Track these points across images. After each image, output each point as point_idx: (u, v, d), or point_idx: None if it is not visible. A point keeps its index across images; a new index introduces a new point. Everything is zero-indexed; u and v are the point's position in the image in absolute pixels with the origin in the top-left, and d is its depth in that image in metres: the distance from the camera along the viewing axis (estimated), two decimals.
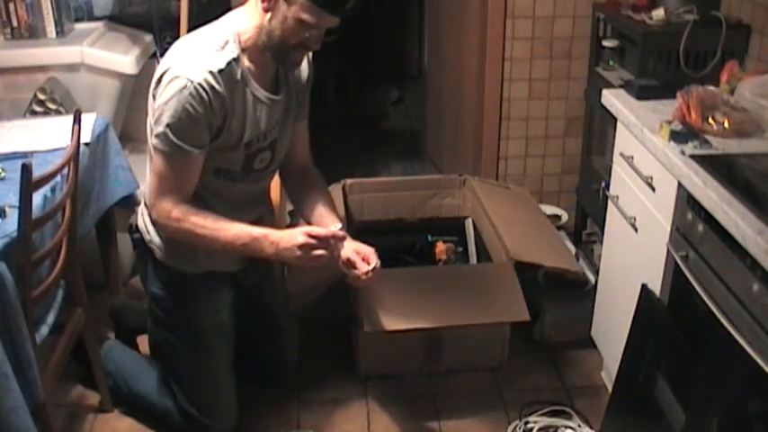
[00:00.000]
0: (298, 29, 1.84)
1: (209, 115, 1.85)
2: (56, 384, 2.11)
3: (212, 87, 1.83)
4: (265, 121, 2.00)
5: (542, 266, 2.71)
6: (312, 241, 1.90)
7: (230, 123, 1.91)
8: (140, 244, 2.13)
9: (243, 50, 1.90)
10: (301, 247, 1.89)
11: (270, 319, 2.35)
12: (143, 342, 2.43)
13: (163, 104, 1.83)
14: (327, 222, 2.08)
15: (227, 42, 1.89)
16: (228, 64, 1.87)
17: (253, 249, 1.95)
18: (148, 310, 2.20)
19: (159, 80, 1.86)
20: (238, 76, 1.90)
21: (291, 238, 1.90)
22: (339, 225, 2.03)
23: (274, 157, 2.10)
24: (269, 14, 1.86)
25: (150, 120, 1.91)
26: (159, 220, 1.96)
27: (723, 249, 1.67)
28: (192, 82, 1.80)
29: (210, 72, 1.83)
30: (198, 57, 1.85)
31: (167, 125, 1.83)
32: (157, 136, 1.86)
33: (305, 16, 1.82)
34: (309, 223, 2.12)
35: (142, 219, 2.12)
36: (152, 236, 2.08)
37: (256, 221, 2.14)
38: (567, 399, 2.45)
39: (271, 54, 1.91)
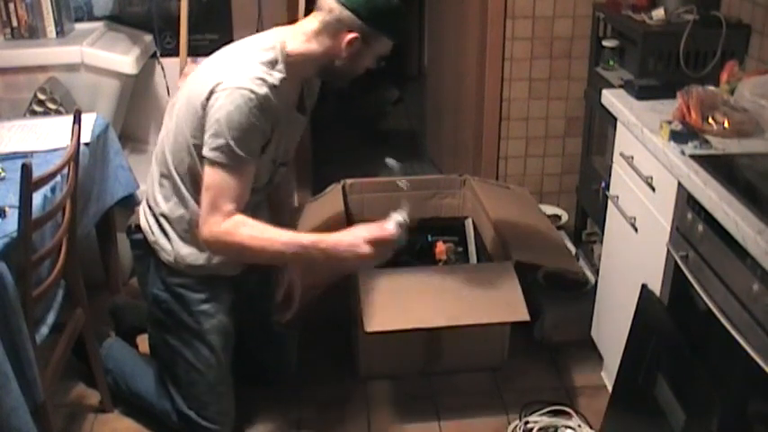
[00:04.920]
0: (371, 60, 1.98)
1: (265, 127, 1.89)
2: (56, 384, 2.10)
3: (270, 101, 1.87)
4: (291, 139, 2.08)
5: (542, 266, 2.71)
6: (372, 251, 1.85)
7: (273, 139, 1.96)
8: (141, 245, 2.13)
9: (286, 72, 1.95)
10: (364, 256, 1.85)
11: (269, 321, 2.35)
12: (143, 342, 2.42)
13: (224, 116, 1.83)
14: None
15: (276, 62, 1.92)
16: (281, 82, 1.91)
17: (303, 259, 1.97)
18: (148, 312, 2.20)
19: (211, 92, 1.86)
20: (285, 96, 1.95)
21: (352, 245, 1.85)
22: (403, 213, 1.90)
23: (287, 172, 2.18)
24: (343, 51, 1.91)
25: (192, 132, 1.91)
26: (210, 236, 1.90)
27: (723, 249, 1.67)
28: (255, 94, 1.83)
29: (270, 86, 1.87)
30: (254, 71, 1.88)
31: (231, 137, 1.83)
32: (217, 148, 1.85)
33: (384, 51, 1.97)
34: None
35: (145, 218, 2.12)
36: (157, 236, 2.08)
37: None
38: (566, 399, 2.45)
39: (319, 73, 2.02)
